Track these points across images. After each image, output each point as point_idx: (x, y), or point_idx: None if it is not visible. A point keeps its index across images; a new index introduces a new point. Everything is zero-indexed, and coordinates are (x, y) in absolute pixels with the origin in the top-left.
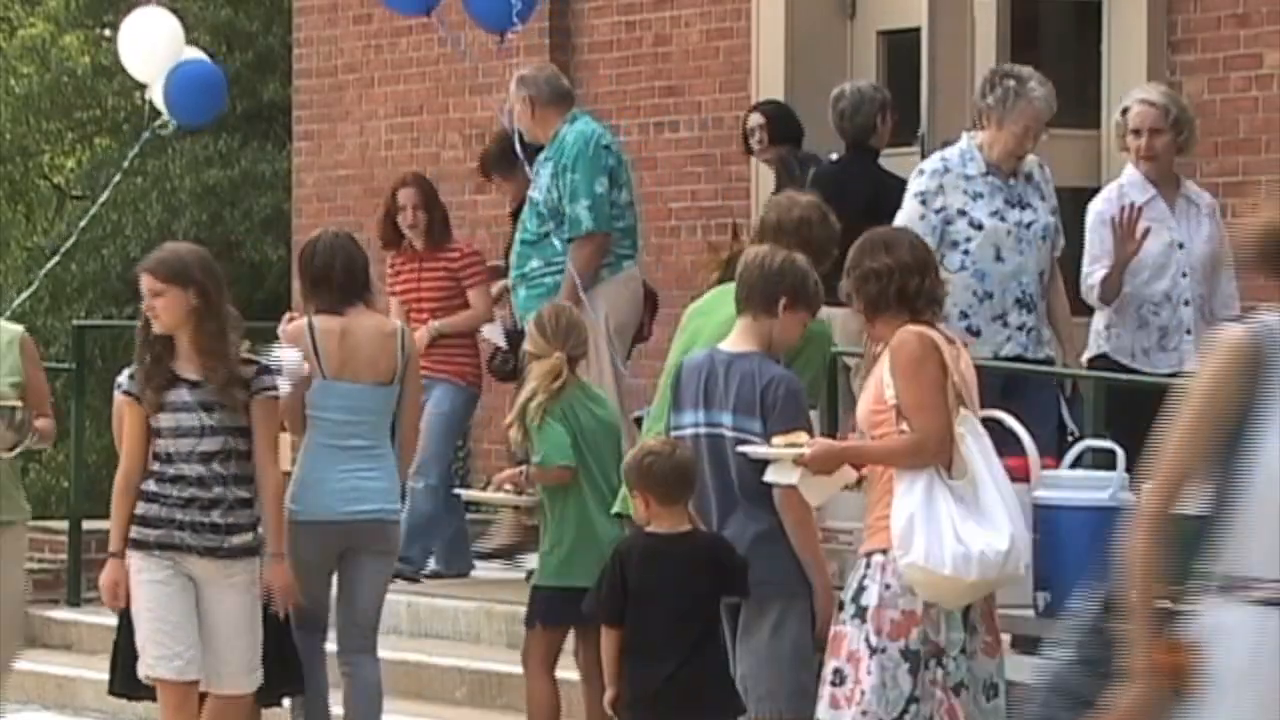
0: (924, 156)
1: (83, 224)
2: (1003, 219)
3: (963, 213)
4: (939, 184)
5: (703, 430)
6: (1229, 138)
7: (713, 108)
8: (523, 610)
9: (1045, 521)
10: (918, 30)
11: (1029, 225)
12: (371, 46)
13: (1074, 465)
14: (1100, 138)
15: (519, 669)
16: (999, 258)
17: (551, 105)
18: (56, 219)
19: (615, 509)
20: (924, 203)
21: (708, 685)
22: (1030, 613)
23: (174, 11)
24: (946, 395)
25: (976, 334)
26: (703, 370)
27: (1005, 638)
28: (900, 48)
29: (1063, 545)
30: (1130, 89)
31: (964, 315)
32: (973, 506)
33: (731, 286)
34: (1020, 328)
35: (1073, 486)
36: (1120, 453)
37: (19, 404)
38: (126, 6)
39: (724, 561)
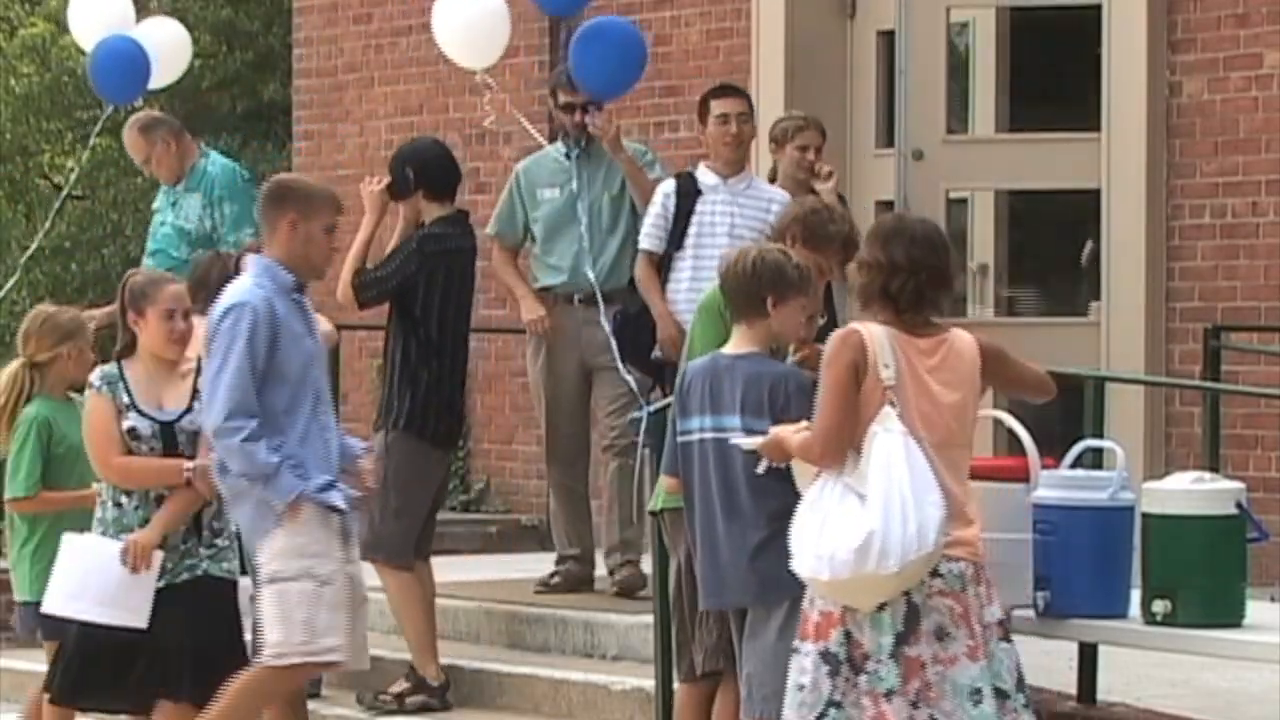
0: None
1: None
2: None
3: None
4: None
5: (709, 435)
6: (1229, 138)
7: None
8: (522, 610)
9: (1045, 521)
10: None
11: None
12: (371, 46)
13: (1074, 465)
14: (1100, 139)
15: (519, 669)
16: None
17: (188, 142)
18: (56, 219)
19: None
20: None
21: None
22: (1030, 613)
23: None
24: (844, 398)
25: None
26: (707, 375)
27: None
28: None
29: (1062, 545)
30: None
31: None
32: (856, 505)
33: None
34: None
35: (1072, 486)
36: (1120, 452)
37: None
38: None
39: None
